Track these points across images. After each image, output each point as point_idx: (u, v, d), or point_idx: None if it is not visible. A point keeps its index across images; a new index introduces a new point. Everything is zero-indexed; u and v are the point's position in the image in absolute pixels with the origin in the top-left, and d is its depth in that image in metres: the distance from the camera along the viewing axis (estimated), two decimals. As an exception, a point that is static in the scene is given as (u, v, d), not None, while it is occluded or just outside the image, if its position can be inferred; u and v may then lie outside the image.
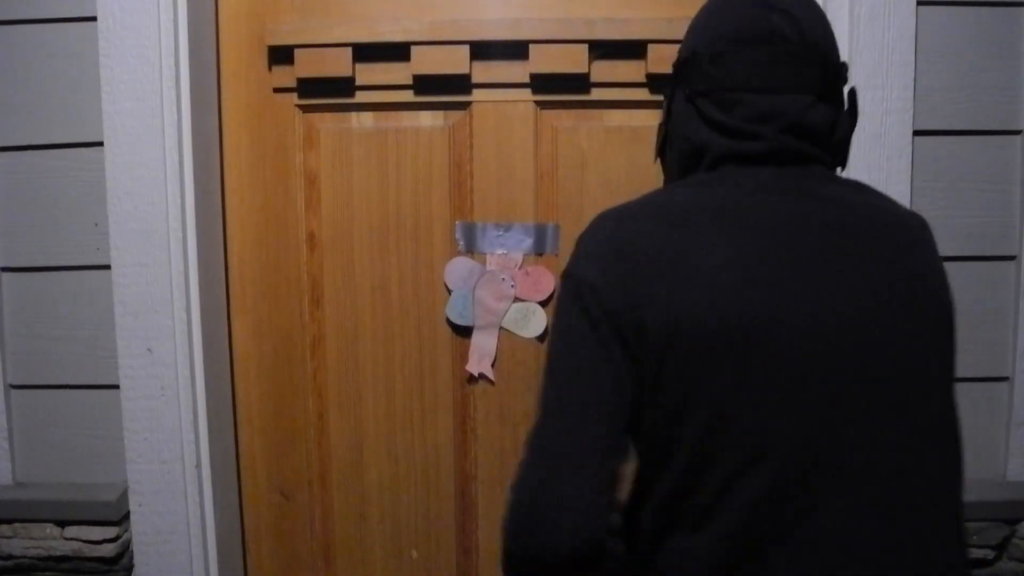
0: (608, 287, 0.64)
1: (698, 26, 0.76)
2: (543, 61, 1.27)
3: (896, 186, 1.18)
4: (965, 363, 1.23)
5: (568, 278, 0.68)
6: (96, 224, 1.22)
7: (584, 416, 0.64)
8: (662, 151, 0.83)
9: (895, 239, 0.69)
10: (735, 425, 0.63)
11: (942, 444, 0.68)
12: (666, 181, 0.83)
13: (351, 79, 1.29)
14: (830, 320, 0.64)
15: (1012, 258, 1.22)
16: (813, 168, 0.72)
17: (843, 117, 0.74)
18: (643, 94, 1.30)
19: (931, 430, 0.67)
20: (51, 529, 1.21)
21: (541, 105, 1.30)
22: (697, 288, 0.63)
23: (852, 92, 0.76)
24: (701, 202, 0.68)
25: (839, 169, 0.78)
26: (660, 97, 1.29)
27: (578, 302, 0.66)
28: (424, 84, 1.30)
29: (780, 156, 0.71)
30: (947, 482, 0.68)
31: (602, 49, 1.28)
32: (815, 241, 0.66)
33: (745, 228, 0.66)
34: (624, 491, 0.67)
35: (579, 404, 0.64)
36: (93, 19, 1.17)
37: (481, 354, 1.33)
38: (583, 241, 0.70)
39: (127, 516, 1.24)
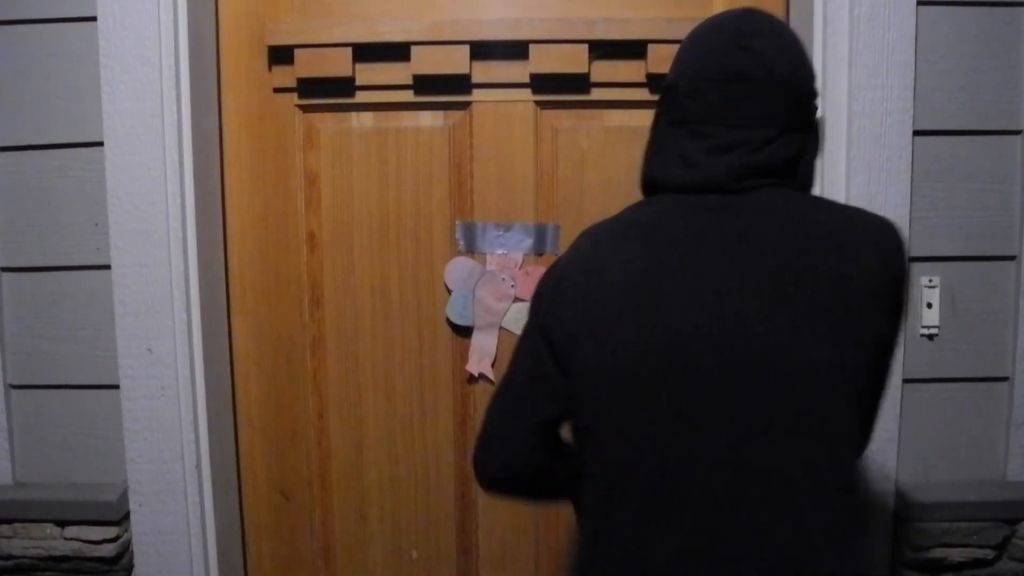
0: (548, 301, 0.80)
1: (682, 59, 0.82)
2: (543, 61, 1.27)
3: (896, 186, 1.18)
4: (965, 363, 1.23)
5: (533, 298, 0.84)
6: (96, 224, 1.22)
7: (522, 387, 0.83)
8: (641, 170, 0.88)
9: (812, 247, 0.73)
10: (613, 430, 0.75)
11: (824, 448, 0.71)
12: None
13: (351, 79, 1.29)
14: (706, 332, 0.71)
15: (1012, 258, 1.22)
16: (762, 192, 0.77)
17: (810, 144, 0.79)
18: (643, 94, 1.30)
19: (814, 429, 0.71)
20: (51, 529, 1.21)
21: (541, 105, 1.30)
22: (592, 309, 0.76)
23: (819, 121, 0.81)
24: (624, 224, 0.80)
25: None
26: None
27: (534, 308, 0.83)
28: (424, 84, 1.30)
29: (724, 187, 0.77)
30: (826, 479, 0.71)
31: (602, 49, 1.28)
32: (707, 254, 0.73)
33: (646, 247, 0.76)
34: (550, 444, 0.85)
35: (521, 380, 0.83)
36: (93, 19, 1.17)
37: (481, 354, 1.33)
38: (559, 257, 0.83)
39: (127, 516, 1.24)
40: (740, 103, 0.76)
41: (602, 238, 0.80)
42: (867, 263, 0.73)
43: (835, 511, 0.72)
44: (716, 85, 0.77)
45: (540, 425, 0.83)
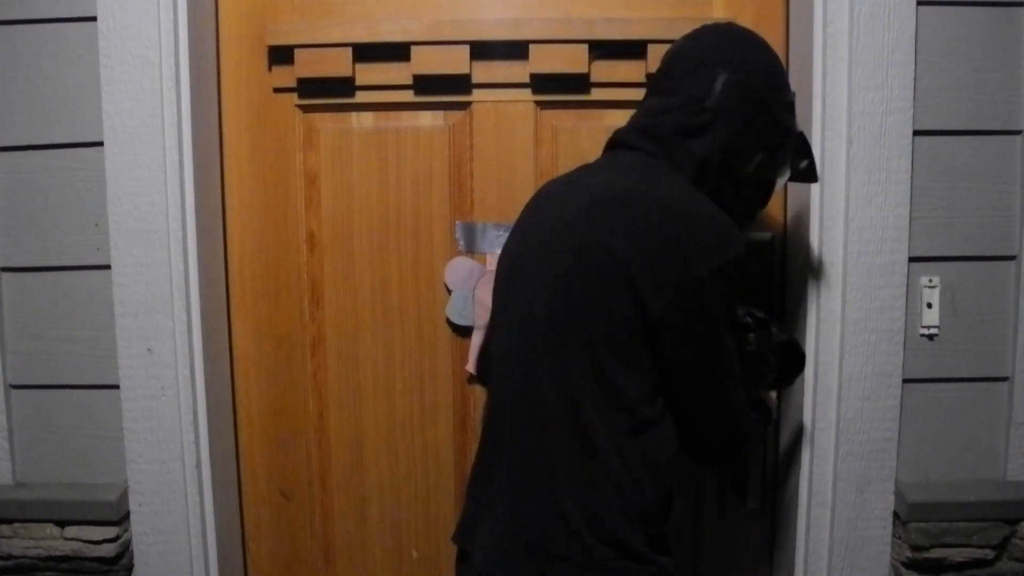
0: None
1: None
2: (543, 61, 1.27)
3: (896, 186, 1.18)
4: (965, 363, 1.23)
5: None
6: (96, 224, 1.22)
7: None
8: None
9: (583, 212, 0.89)
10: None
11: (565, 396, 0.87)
12: None
13: (351, 79, 1.29)
14: (511, 264, 0.97)
15: (1012, 258, 1.22)
16: (620, 154, 0.97)
17: (719, 125, 0.94)
18: (643, 94, 1.29)
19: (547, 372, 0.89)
20: (51, 529, 1.21)
21: (541, 105, 1.30)
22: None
23: (801, 135, 1.04)
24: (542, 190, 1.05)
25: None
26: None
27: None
28: (424, 84, 1.29)
29: (620, 142, 0.99)
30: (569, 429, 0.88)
31: (602, 49, 1.28)
32: (538, 213, 0.98)
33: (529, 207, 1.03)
34: None
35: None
36: (93, 19, 1.17)
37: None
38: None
39: (127, 516, 1.23)
40: (663, 77, 1.00)
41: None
42: (626, 243, 0.85)
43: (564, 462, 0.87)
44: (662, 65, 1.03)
45: None
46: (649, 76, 1.28)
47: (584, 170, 0.99)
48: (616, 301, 0.84)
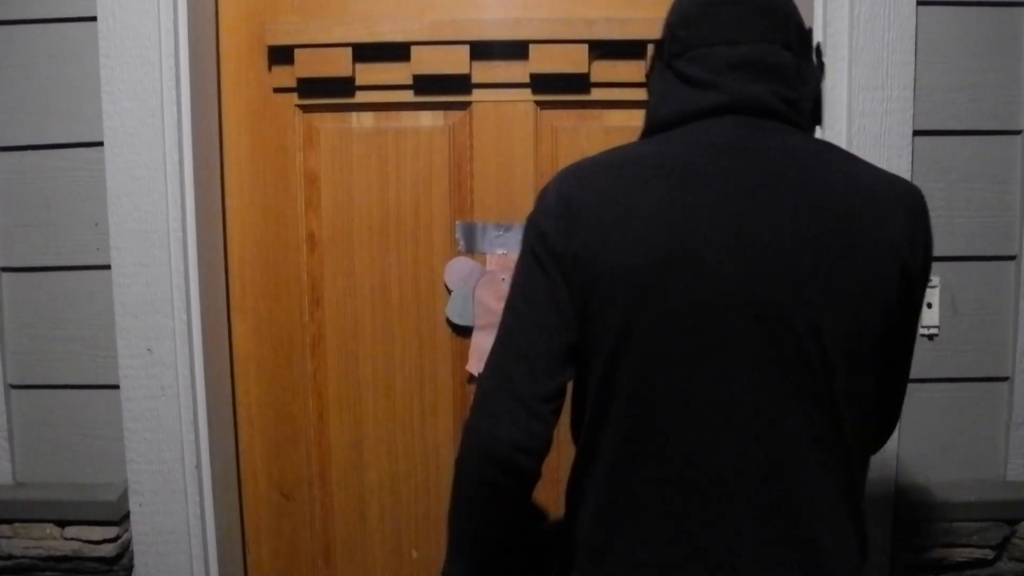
0: (554, 233, 0.74)
1: (672, 8, 0.83)
2: (543, 61, 1.27)
3: (896, 186, 1.18)
4: (965, 363, 1.23)
5: (528, 223, 0.78)
6: (96, 224, 1.22)
7: (532, 336, 0.75)
8: (644, 128, 0.86)
9: (832, 203, 0.71)
10: (628, 360, 0.73)
11: (825, 417, 0.72)
12: None
13: (351, 79, 1.29)
14: (724, 270, 0.70)
15: (1012, 258, 1.22)
16: (775, 124, 0.75)
17: (813, 71, 0.79)
18: (643, 94, 1.28)
19: (806, 391, 0.71)
20: (51, 529, 1.21)
21: (541, 105, 1.30)
22: (615, 237, 0.72)
23: (818, 46, 0.82)
24: (645, 158, 0.75)
25: (820, 130, 0.82)
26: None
27: (531, 244, 0.77)
28: (424, 84, 1.29)
29: (741, 107, 0.75)
30: (824, 450, 0.72)
31: (602, 49, 1.28)
32: (731, 198, 0.71)
33: (668, 183, 0.72)
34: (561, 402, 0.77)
35: (530, 327, 0.75)
36: (93, 19, 1.17)
37: (481, 354, 1.33)
38: (544, 191, 0.79)
39: (127, 516, 1.23)
40: (740, 22, 0.76)
41: (617, 173, 0.75)
42: (900, 231, 0.72)
43: (830, 487, 0.72)
44: (712, 8, 0.77)
45: (558, 361, 0.75)
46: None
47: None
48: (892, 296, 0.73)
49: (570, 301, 0.74)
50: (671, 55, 0.80)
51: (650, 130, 0.81)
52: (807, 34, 0.79)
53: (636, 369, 0.72)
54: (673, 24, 0.81)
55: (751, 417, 0.70)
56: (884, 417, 0.86)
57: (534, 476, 0.76)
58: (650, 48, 1.25)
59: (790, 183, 0.71)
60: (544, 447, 0.75)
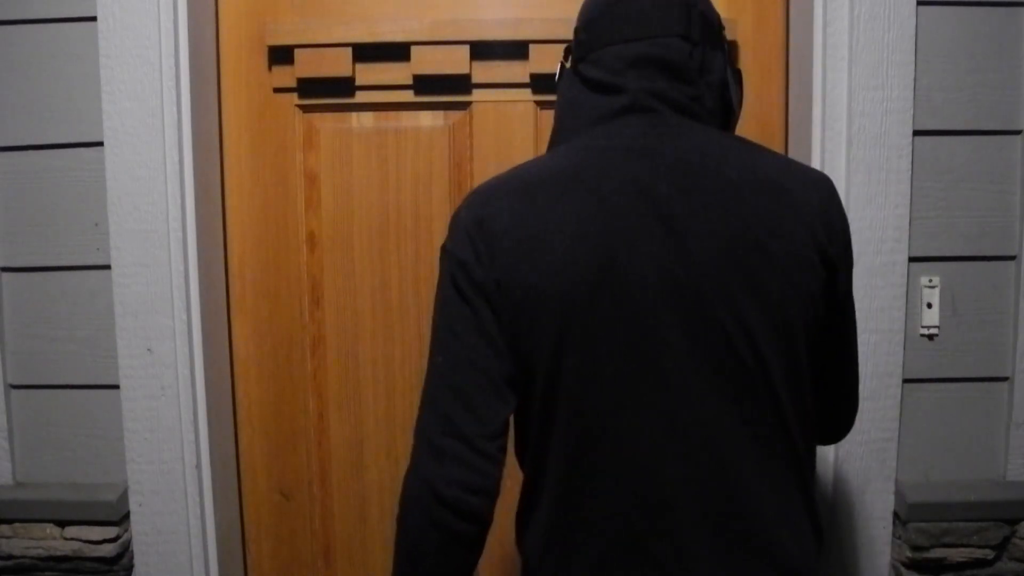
0: (473, 261, 0.71)
1: (580, 11, 0.81)
2: (543, 61, 1.27)
3: (896, 186, 1.18)
4: (965, 363, 1.23)
5: (443, 253, 0.75)
6: (96, 224, 1.22)
7: (466, 372, 0.72)
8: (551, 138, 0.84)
9: (744, 198, 0.70)
10: (564, 382, 0.71)
11: (768, 413, 0.71)
12: None
13: (351, 79, 1.29)
14: (648, 279, 0.69)
15: (1012, 258, 1.22)
16: (680, 120, 0.74)
17: (721, 61, 0.77)
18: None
19: (758, 390, 0.71)
20: (51, 529, 1.21)
21: (541, 105, 1.30)
22: (536, 259, 0.70)
23: (731, 43, 0.83)
24: (556, 174, 0.73)
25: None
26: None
27: (450, 275, 0.73)
28: (424, 84, 1.29)
29: (644, 107, 0.74)
30: (770, 445, 0.72)
31: (602, 49, 1.27)
32: (646, 203, 0.70)
33: (583, 195, 0.71)
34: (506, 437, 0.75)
35: (463, 362, 0.72)
36: (93, 19, 1.17)
37: (481, 354, 1.33)
38: (456, 217, 0.75)
39: (127, 516, 1.23)
40: (638, 18, 0.74)
41: (527, 192, 0.72)
42: (815, 219, 0.72)
43: (780, 483, 0.72)
44: (610, 8, 0.76)
45: (498, 396, 0.72)
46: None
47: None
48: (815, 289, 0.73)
49: (499, 330, 0.71)
50: (576, 59, 0.78)
51: (557, 140, 0.79)
52: (714, 23, 0.77)
53: (574, 390, 0.71)
54: (577, 27, 0.79)
55: (692, 423, 0.70)
56: (842, 405, 0.85)
57: (487, 520, 0.73)
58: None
59: (700, 182, 0.71)
60: (495, 487, 0.73)
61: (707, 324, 0.69)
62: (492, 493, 0.73)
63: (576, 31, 0.80)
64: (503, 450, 0.74)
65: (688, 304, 0.69)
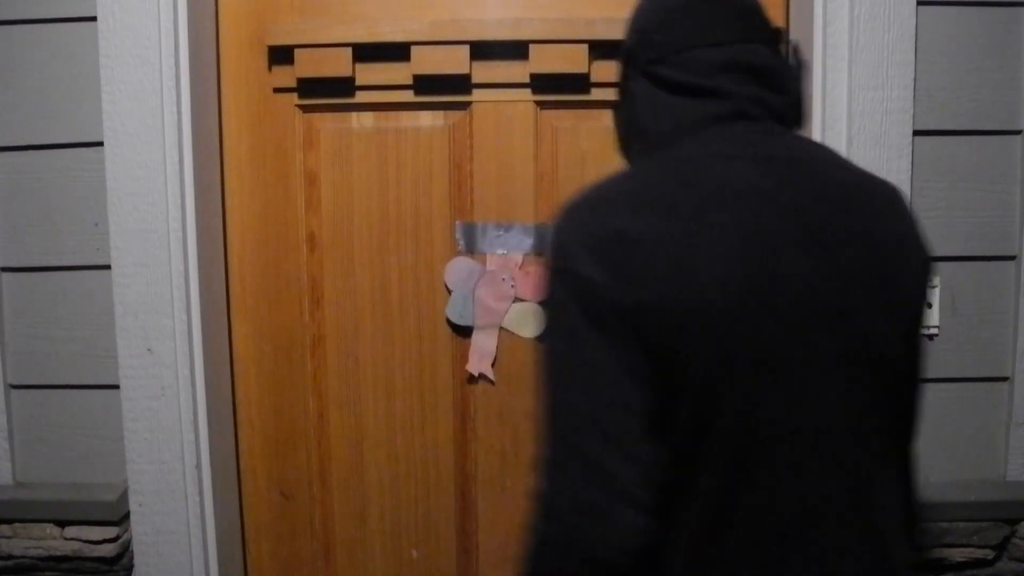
0: (606, 281, 0.62)
1: (639, 12, 0.78)
2: (543, 61, 1.27)
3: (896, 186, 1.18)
4: (965, 363, 1.23)
5: (558, 274, 0.65)
6: (96, 224, 1.22)
7: (612, 412, 0.61)
8: (627, 144, 0.81)
9: (873, 204, 0.69)
10: (727, 405, 0.63)
11: (896, 419, 0.69)
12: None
13: (351, 79, 1.29)
14: (804, 296, 0.64)
15: (1012, 258, 1.22)
16: (780, 128, 0.72)
17: (793, 71, 0.76)
18: (643, 94, 1.29)
19: (889, 400, 0.68)
20: (51, 529, 1.21)
21: (541, 105, 1.30)
22: (691, 278, 0.62)
23: (796, 46, 0.79)
24: (684, 183, 0.66)
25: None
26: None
27: (575, 299, 0.63)
28: (424, 84, 1.29)
29: (748, 113, 0.70)
30: (894, 453, 0.69)
31: (602, 49, 1.28)
32: (789, 216, 0.65)
33: (729, 208, 0.64)
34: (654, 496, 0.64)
35: (605, 401, 0.61)
36: (93, 19, 1.17)
37: (481, 354, 1.33)
38: (565, 232, 0.66)
39: (127, 516, 1.23)
40: (721, 21, 0.72)
41: (662, 204, 0.65)
42: (915, 224, 0.71)
43: (898, 499, 0.69)
44: (682, 11, 0.73)
45: (650, 436, 0.62)
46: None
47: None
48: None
49: (644, 359, 0.62)
50: (648, 61, 0.74)
51: (647, 147, 0.74)
52: (780, 33, 0.77)
53: (731, 420, 0.63)
54: (645, 28, 0.75)
55: (840, 442, 0.65)
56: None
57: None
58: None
59: (827, 192, 0.67)
60: (650, 542, 0.62)
61: (857, 337, 0.65)
62: (647, 550, 0.63)
63: (643, 31, 0.75)
64: (657, 499, 0.64)
65: (839, 318, 0.65)
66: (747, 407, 0.63)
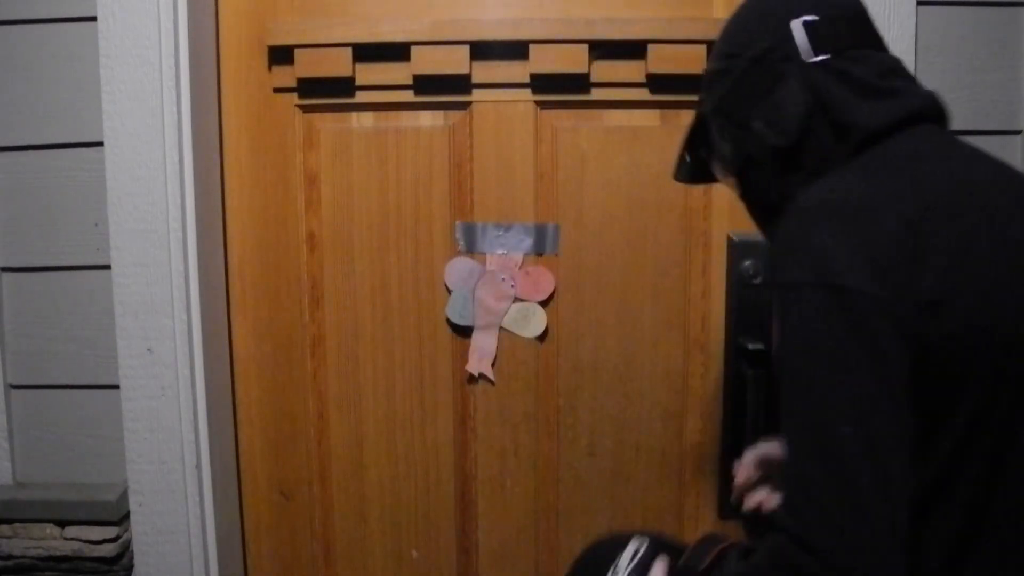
0: (894, 299, 0.55)
1: (792, 4, 0.72)
2: (543, 61, 1.27)
3: (896, 186, 1.18)
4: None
5: (835, 291, 0.57)
6: (96, 224, 1.22)
7: (893, 453, 0.55)
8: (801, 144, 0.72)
9: None
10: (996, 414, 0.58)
11: None
12: (786, 180, 0.73)
13: (351, 79, 1.29)
14: None
15: (1012, 258, 1.22)
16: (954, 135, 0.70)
17: None
18: (643, 94, 1.30)
19: None
20: (51, 529, 1.21)
21: (541, 105, 1.30)
22: (995, 294, 0.57)
23: None
24: (939, 185, 0.61)
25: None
26: (661, 97, 1.29)
27: (855, 318, 0.56)
28: (424, 84, 1.29)
29: (934, 114, 0.68)
30: None
31: (602, 49, 1.28)
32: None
33: (998, 218, 0.60)
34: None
35: (885, 439, 0.55)
36: (93, 19, 1.17)
37: (481, 354, 1.33)
38: (826, 240, 0.58)
39: (127, 516, 1.23)
40: (871, 23, 0.72)
41: (942, 207, 0.60)
42: None
43: None
44: (849, 8, 0.72)
45: (909, 461, 0.56)
46: (649, 76, 1.28)
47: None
48: None
49: (917, 385, 0.56)
50: (814, 49, 0.69)
51: (850, 146, 0.68)
52: None
53: (1007, 438, 0.58)
54: (816, 22, 0.70)
55: None
56: None
57: None
58: (651, 47, 1.26)
59: (1018, 186, 0.64)
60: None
61: None
62: None
63: (814, 25, 0.70)
64: None
65: None
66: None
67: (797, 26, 0.71)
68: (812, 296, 0.58)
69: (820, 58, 0.70)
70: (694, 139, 0.86)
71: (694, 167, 0.89)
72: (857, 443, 0.55)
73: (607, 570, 0.82)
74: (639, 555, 0.83)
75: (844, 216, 0.59)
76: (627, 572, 0.81)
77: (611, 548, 0.86)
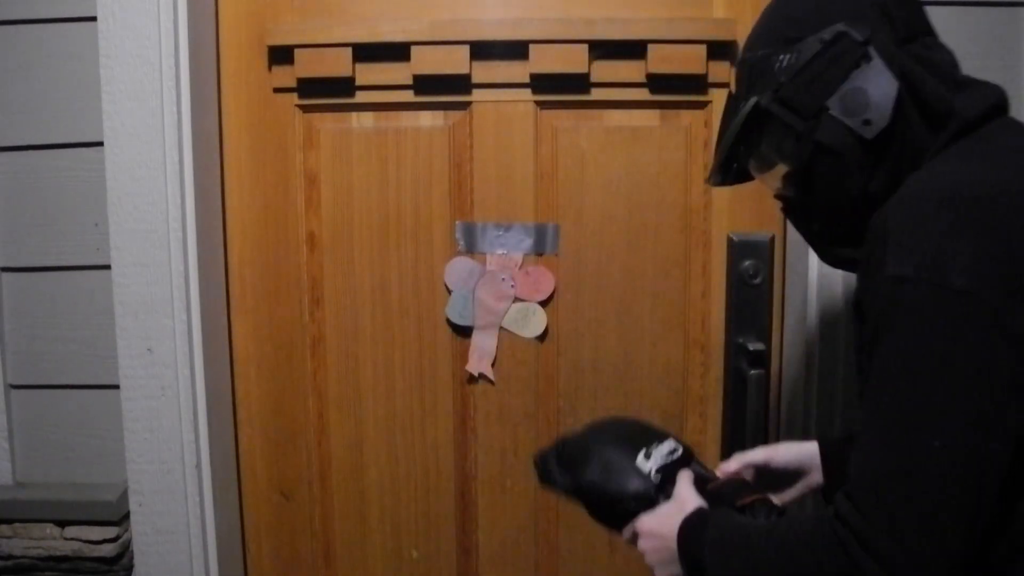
0: (1007, 297, 0.53)
1: None
2: (543, 61, 1.27)
3: (896, 186, 1.18)
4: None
5: (964, 298, 0.53)
6: (96, 224, 1.22)
7: (989, 469, 0.54)
8: (821, 154, 0.68)
9: None
10: None
11: None
12: (868, 172, 0.68)
13: (351, 79, 1.29)
14: None
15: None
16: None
17: None
18: (643, 94, 1.30)
19: None
20: (51, 529, 1.21)
21: (541, 105, 1.30)
22: None
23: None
24: None
25: None
26: (661, 97, 1.29)
27: (982, 327, 0.53)
28: (424, 84, 1.29)
29: (1007, 104, 0.68)
30: None
31: (602, 49, 1.27)
32: None
33: None
34: None
35: (986, 456, 0.53)
36: (93, 19, 1.17)
37: (481, 354, 1.33)
38: (943, 233, 0.55)
39: (127, 516, 1.23)
40: (926, 13, 0.71)
41: None
42: None
43: None
44: None
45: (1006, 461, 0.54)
46: (649, 76, 1.28)
47: None
48: None
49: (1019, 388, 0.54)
50: (901, 36, 0.66)
51: (951, 133, 0.65)
52: None
53: None
54: (890, 4, 0.68)
55: None
56: None
57: None
58: (651, 47, 1.26)
59: None
60: None
61: None
62: None
63: (888, 7, 0.67)
64: None
65: None
66: None
67: (874, 8, 0.67)
68: (922, 294, 0.55)
69: (904, 43, 0.66)
70: (745, 136, 0.76)
71: (736, 167, 0.83)
72: (947, 462, 0.53)
73: (641, 450, 0.84)
74: (676, 455, 0.84)
75: (962, 209, 0.56)
76: (662, 462, 0.82)
77: (647, 433, 0.88)
